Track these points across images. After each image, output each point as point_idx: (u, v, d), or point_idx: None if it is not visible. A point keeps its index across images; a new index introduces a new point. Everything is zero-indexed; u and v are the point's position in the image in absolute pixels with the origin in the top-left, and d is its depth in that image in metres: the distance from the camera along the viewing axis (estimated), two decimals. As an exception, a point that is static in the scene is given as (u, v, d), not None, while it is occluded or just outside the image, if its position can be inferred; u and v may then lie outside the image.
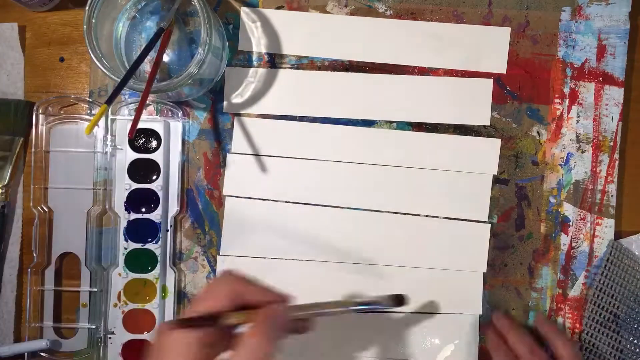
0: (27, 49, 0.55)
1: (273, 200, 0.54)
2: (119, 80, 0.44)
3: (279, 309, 0.38)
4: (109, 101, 0.42)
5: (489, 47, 0.54)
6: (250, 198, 0.54)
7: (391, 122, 0.54)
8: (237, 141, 0.54)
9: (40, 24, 0.55)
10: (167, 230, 0.54)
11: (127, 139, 0.53)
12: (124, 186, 0.53)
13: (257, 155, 0.54)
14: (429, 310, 0.54)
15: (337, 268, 0.54)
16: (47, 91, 0.55)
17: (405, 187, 0.54)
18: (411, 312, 0.54)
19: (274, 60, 0.55)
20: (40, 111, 0.53)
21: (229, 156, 0.54)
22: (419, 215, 0.54)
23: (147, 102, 0.51)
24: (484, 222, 0.54)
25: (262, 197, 0.54)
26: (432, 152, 0.54)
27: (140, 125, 0.53)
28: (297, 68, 0.55)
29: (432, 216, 0.54)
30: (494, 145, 0.54)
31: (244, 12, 0.54)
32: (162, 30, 0.47)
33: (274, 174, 0.54)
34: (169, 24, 0.48)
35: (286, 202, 0.54)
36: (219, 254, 0.54)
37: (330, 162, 0.54)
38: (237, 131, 0.54)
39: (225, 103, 0.54)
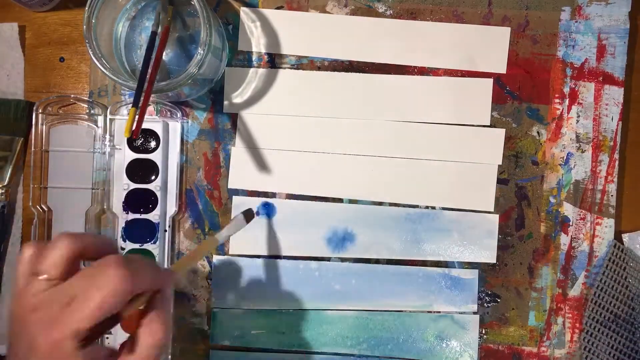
0: (27, 49, 0.55)
1: (278, 194, 0.55)
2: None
3: (169, 279, 0.36)
4: (135, 104, 0.43)
5: (489, 47, 0.54)
6: (257, 192, 0.55)
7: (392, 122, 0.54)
8: (240, 136, 0.54)
9: (40, 24, 0.55)
10: (166, 231, 0.54)
11: (125, 139, 0.53)
12: (122, 186, 0.53)
13: (260, 149, 0.54)
14: (429, 309, 0.54)
15: (341, 265, 0.54)
16: (47, 91, 0.55)
17: (410, 180, 0.54)
18: (412, 311, 0.54)
19: (274, 61, 0.55)
20: (40, 111, 0.53)
21: (232, 150, 0.54)
22: (426, 207, 0.54)
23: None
24: (490, 212, 0.54)
25: (267, 190, 0.55)
26: (436, 144, 0.54)
27: (139, 125, 0.53)
28: (297, 68, 0.55)
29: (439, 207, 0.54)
30: (498, 135, 0.54)
31: (244, 12, 0.54)
32: (155, 34, 0.46)
33: (278, 168, 0.54)
34: (158, 27, 0.47)
35: (293, 195, 0.54)
36: (219, 254, 0.54)
37: (333, 155, 0.54)
38: (240, 127, 0.54)
39: (225, 103, 0.54)
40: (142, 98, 0.43)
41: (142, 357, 0.33)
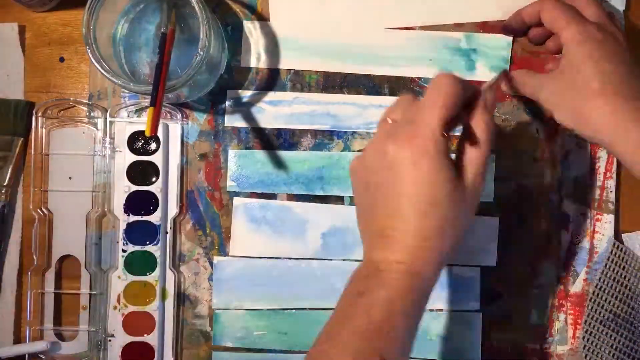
0: (27, 49, 0.55)
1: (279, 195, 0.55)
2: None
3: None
4: (153, 103, 0.43)
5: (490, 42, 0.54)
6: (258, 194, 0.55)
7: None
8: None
9: (40, 24, 0.55)
10: (167, 233, 0.54)
11: (126, 141, 0.53)
12: (123, 188, 0.53)
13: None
14: (431, 307, 0.54)
15: (343, 264, 0.54)
16: (47, 91, 0.55)
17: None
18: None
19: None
20: (40, 114, 0.53)
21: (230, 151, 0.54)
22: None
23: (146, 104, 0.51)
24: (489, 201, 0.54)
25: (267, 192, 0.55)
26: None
27: (139, 127, 0.53)
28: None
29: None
30: None
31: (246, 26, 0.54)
32: (165, 36, 0.47)
33: (278, 168, 0.55)
34: (167, 27, 0.48)
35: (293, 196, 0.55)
36: (220, 255, 0.54)
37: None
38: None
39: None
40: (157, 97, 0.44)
41: (484, 150, 0.40)
